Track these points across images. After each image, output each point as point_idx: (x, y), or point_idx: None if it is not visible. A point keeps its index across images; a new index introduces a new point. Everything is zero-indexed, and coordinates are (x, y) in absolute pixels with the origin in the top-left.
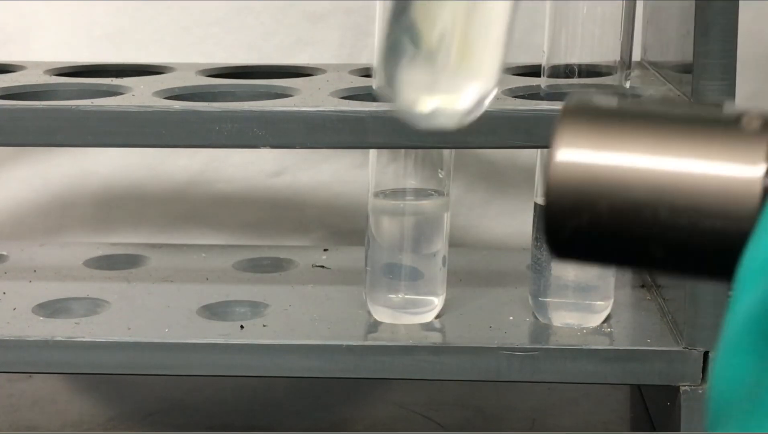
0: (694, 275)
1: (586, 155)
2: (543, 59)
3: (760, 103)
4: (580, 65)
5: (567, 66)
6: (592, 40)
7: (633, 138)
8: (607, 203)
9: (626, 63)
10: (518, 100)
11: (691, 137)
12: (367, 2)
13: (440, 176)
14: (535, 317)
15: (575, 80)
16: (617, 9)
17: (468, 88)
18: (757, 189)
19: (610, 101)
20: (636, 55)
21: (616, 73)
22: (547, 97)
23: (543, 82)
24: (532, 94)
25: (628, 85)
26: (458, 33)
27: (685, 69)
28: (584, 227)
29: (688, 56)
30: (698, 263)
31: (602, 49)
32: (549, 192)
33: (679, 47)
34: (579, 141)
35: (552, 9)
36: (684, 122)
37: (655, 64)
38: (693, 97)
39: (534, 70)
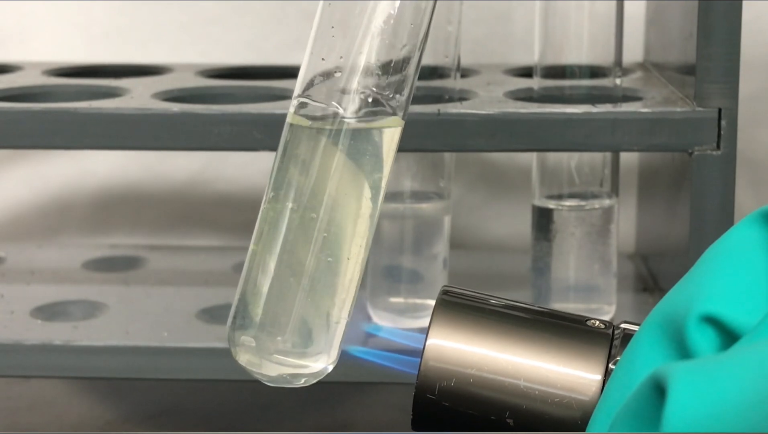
0: None
1: (454, 343)
2: (535, 60)
3: (761, 104)
4: (572, 66)
5: (559, 67)
6: (584, 40)
7: (493, 333)
8: (470, 378)
9: (618, 63)
10: (519, 103)
11: (544, 335)
12: None
13: (441, 184)
14: None
15: (567, 82)
16: (610, 9)
17: (304, 362)
18: (598, 387)
19: (478, 298)
20: (638, 57)
21: (610, 75)
22: (539, 99)
23: (536, 83)
24: (533, 97)
25: (618, 81)
26: (295, 313)
27: (688, 71)
28: (449, 395)
29: (690, 58)
30: None
31: (594, 50)
32: (421, 368)
33: (681, 49)
34: (448, 331)
35: (542, 9)
36: (540, 321)
37: (657, 66)
38: (695, 99)
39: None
